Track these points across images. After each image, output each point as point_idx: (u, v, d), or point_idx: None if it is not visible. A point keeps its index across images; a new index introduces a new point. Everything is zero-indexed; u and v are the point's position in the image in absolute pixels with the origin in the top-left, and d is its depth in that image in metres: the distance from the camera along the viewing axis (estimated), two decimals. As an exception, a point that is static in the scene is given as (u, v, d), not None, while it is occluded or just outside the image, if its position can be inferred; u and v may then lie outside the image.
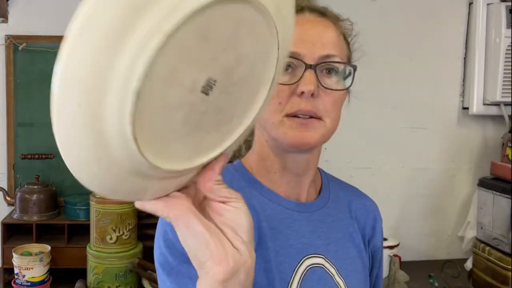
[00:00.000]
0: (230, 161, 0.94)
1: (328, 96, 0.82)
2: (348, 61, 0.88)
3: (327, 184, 1.00)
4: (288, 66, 0.80)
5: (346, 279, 0.93)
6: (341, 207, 0.98)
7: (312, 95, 0.79)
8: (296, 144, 0.82)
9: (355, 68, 0.85)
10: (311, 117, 0.81)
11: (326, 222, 0.93)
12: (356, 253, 0.98)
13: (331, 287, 0.89)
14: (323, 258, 0.90)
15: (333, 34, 0.84)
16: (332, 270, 0.91)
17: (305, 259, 0.88)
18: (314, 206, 0.92)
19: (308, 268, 0.87)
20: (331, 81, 0.82)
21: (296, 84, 0.79)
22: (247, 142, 0.94)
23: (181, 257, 0.76)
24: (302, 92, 0.79)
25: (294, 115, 0.81)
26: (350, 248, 0.96)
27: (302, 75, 0.80)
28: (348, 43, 0.91)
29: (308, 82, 0.79)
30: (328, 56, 0.81)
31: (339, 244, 0.93)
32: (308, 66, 0.79)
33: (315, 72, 0.80)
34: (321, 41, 0.82)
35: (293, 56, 0.79)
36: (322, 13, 0.85)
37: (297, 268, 0.86)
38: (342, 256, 0.93)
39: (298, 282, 0.86)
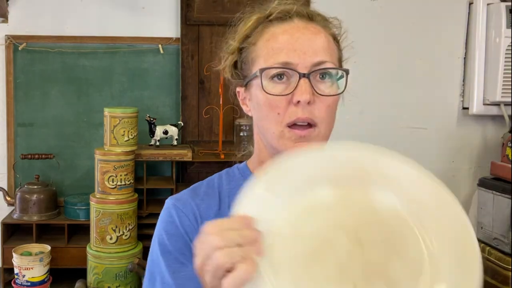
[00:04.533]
0: (240, 161, 0.96)
1: (323, 102, 0.84)
2: (340, 62, 0.89)
3: None
4: (281, 76, 0.81)
5: None
6: None
7: (308, 103, 0.82)
8: None
9: (347, 72, 0.87)
10: (308, 124, 0.83)
11: None
12: None
13: None
14: None
15: (322, 39, 0.85)
16: None
17: None
18: None
19: None
20: (325, 86, 0.85)
21: (292, 93, 0.81)
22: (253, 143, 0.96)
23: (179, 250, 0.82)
24: (298, 101, 0.81)
25: (293, 124, 0.83)
26: None
27: (297, 84, 0.81)
28: (338, 43, 0.92)
29: (304, 91, 0.81)
30: (320, 62, 0.83)
31: None
32: (301, 75, 0.81)
33: (309, 80, 0.82)
34: (312, 48, 0.83)
35: (286, 66, 0.81)
36: (310, 18, 0.86)
37: None
38: None
39: None
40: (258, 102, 0.83)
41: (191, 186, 0.93)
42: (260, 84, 0.81)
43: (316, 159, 0.68)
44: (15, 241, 2.26)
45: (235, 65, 0.89)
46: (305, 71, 0.81)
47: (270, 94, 0.81)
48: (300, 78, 0.81)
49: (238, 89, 0.89)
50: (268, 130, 0.84)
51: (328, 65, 0.84)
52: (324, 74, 0.85)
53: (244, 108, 0.90)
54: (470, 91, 2.63)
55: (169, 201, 0.90)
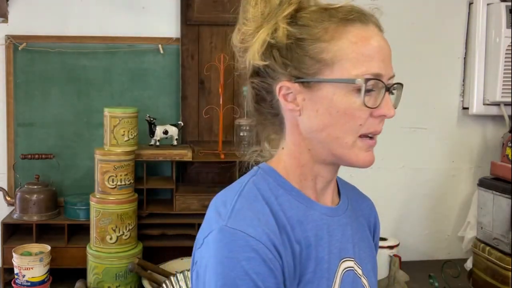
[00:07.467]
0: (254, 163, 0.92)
1: None
2: None
3: (342, 187, 1.00)
4: (371, 90, 0.79)
5: (368, 278, 0.94)
6: (355, 208, 0.99)
7: None
8: (365, 166, 0.85)
9: (402, 86, 0.88)
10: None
11: (350, 225, 0.93)
12: (370, 251, 0.99)
13: None
14: (353, 260, 0.90)
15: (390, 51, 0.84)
16: (359, 271, 0.91)
17: (341, 262, 0.88)
18: (340, 210, 0.93)
19: (344, 272, 0.87)
20: (393, 100, 0.86)
21: (378, 107, 0.80)
22: (272, 141, 0.92)
23: None
24: (383, 115, 0.81)
25: (365, 136, 0.82)
26: (367, 248, 0.98)
27: (383, 97, 0.80)
28: None
29: (391, 107, 0.81)
30: (393, 76, 0.83)
31: (360, 245, 0.94)
32: (387, 89, 0.80)
33: (390, 93, 0.82)
34: (389, 60, 0.83)
35: (378, 77, 0.79)
36: (378, 26, 0.84)
37: (336, 272, 0.86)
38: (363, 256, 0.94)
39: (338, 287, 0.85)
40: (336, 109, 0.79)
41: (245, 208, 0.79)
42: (356, 92, 0.77)
43: None
44: (15, 241, 2.26)
45: (274, 52, 0.80)
46: (386, 84, 0.80)
47: (367, 107, 0.78)
48: (385, 92, 0.80)
49: (282, 83, 0.81)
50: (340, 139, 0.81)
51: (396, 79, 0.85)
52: (395, 88, 0.85)
53: (287, 105, 0.82)
54: (470, 91, 2.63)
55: (248, 238, 0.76)
